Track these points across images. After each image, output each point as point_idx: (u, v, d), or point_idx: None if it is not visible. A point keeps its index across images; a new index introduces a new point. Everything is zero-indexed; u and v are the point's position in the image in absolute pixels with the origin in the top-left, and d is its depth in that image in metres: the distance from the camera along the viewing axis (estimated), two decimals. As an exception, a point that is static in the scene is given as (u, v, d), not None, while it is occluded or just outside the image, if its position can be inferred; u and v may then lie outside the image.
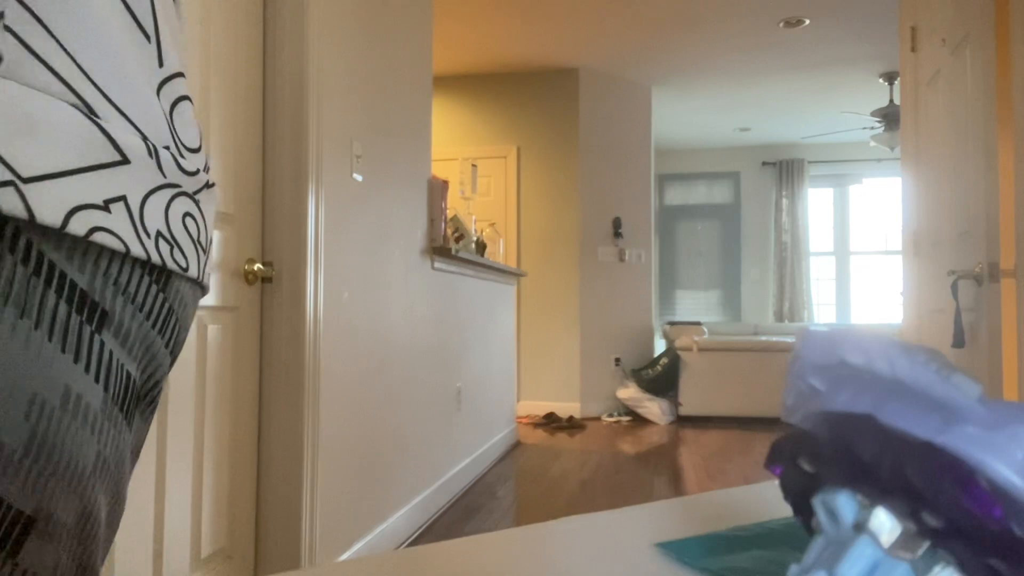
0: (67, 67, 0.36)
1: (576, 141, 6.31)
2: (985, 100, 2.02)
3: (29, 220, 0.35)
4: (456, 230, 4.06)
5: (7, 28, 0.34)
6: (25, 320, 0.36)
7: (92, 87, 0.38)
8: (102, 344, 0.40)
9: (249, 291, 2.10)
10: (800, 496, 0.38)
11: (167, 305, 0.44)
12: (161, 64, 0.44)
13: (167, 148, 0.43)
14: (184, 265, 0.44)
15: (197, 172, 0.46)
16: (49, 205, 0.35)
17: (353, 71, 2.55)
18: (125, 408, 0.43)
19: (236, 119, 2.03)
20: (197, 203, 0.46)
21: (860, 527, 0.32)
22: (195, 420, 1.83)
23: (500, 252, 6.27)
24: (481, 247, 4.26)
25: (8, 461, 0.36)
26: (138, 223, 0.40)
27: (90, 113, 0.37)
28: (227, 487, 1.98)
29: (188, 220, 0.45)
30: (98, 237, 0.38)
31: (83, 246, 0.38)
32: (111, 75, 0.39)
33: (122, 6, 0.40)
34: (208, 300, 1.89)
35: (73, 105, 0.36)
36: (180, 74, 0.45)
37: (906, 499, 0.30)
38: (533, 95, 6.38)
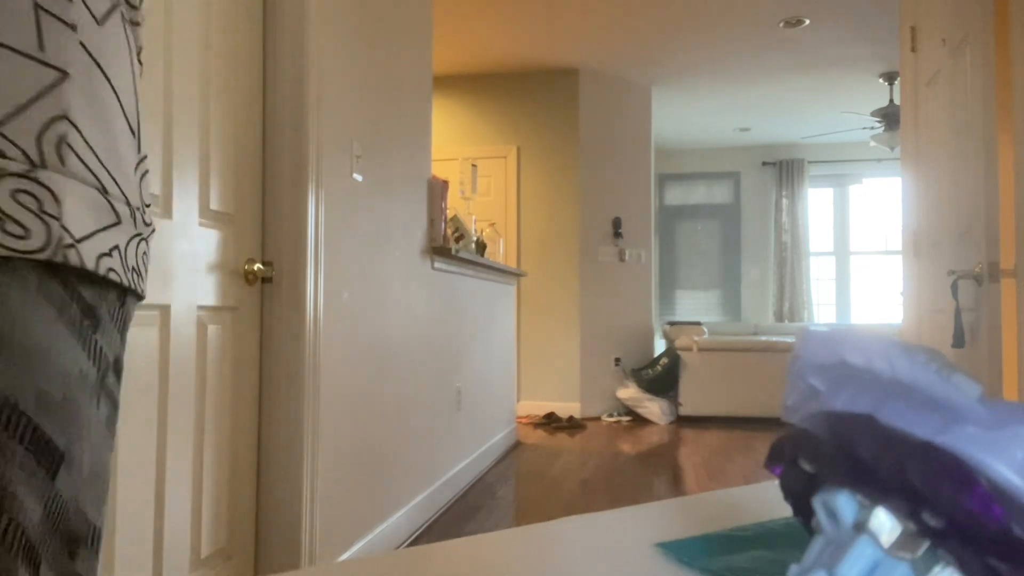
0: (95, 164, 0.56)
1: (576, 141, 6.30)
2: (985, 100, 2.02)
3: (81, 267, 0.55)
4: (456, 230, 4.06)
5: (65, 142, 0.53)
6: (60, 317, 0.55)
7: (107, 174, 0.58)
8: (96, 340, 0.58)
9: (249, 291, 2.10)
10: (800, 496, 0.38)
11: (124, 313, 0.63)
12: (139, 151, 0.64)
13: (138, 208, 0.63)
14: (143, 289, 0.65)
15: (151, 223, 0.67)
16: (89, 256, 0.56)
17: (353, 71, 2.55)
18: (102, 386, 0.61)
19: (236, 119, 2.03)
20: (148, 243, 0.66)
21: (860, 527, 0.32)
22: (195, 420, 1.83)
23: (500, 252, 6.27)
24: (481, 247, 4.26)
25: (51, 407, 0.54)
26: (125, 263, 0.60)
27: (103, 192, 0.57)
28: (227, 487, 1.98)
29: (144, 257, 0.65)
30: (110, 275, 0.58)
31: (92, 275, 0.57)
32: (116, 165, 0.59)
33: (123, 115, 0.60)
34: (208, 300, 1.89)
35: (95, 188, 0.56)
36: (145, 156, 0.66)
37: (906, 499, 0.30)
38: (533, 95, 6.38)
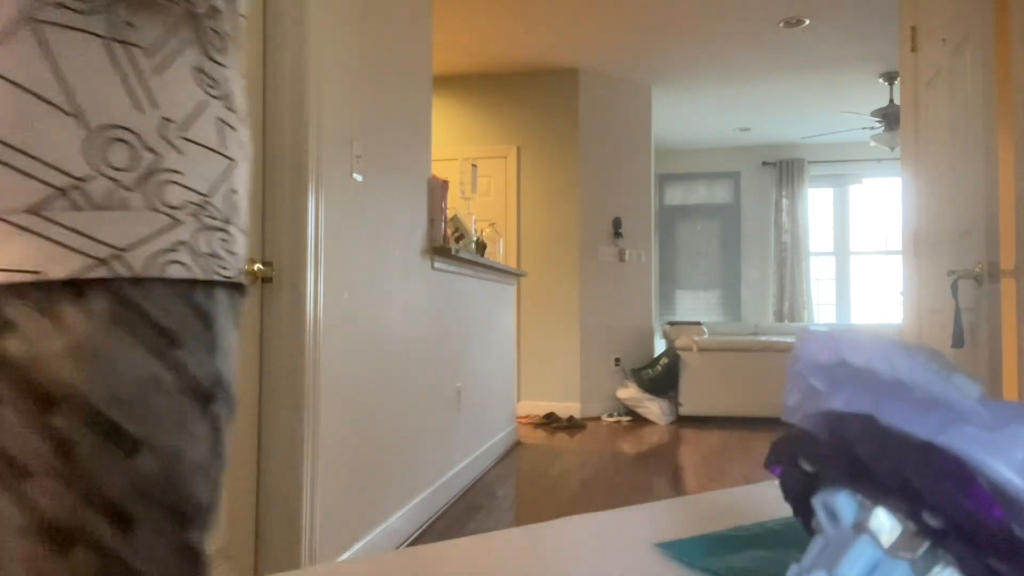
0: (245, 215, 0.78)
1: (576, 141, 6.30)
2: (985, 100, 2.02)
3: (244, 285, 0.77)
4: (456, 230, 4.06)
5: (237, 205, 0.75)
6: (233, 322, 0.75)
7: (246, 221, 0.79)
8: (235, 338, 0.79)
9: (249, 291, 2.10)
10: (800, 496, 0.38)
11: None
12: None
13: None
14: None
15: None
16: (243, 276, 0.77)
17: (353, 71, 2.55)
18: None
19: (236, 119, 2.03)
20: None
21: (860, 527, 0.32)
22: (195, 420, 1.83)
23: (500, 252, 6.26)
24: (481, 247, 4.26)
25: (235, 387, 0.75)
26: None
27: (245, 232, 0.78)
28: (227, 487, 1.98)
29: None
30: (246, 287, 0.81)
31: (244, 289, 0.80)
32: (246, 212, 0.81)
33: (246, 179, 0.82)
34: (208, 300, 1.89)
35: (244, 232, 0.78)
36: None
37: (906, 499, 0.30)
38: (533, 95, 6.38)
